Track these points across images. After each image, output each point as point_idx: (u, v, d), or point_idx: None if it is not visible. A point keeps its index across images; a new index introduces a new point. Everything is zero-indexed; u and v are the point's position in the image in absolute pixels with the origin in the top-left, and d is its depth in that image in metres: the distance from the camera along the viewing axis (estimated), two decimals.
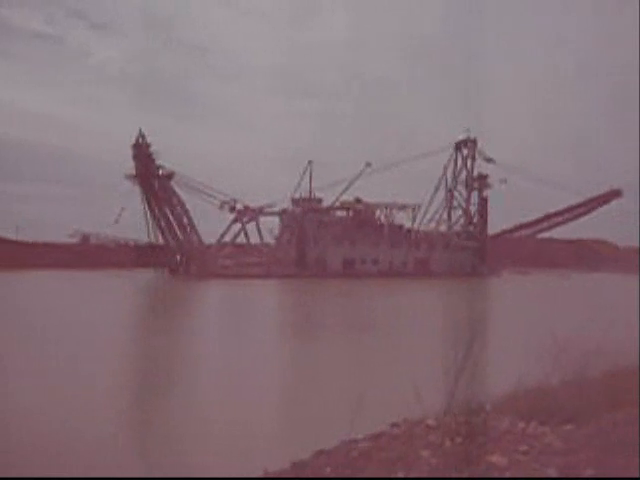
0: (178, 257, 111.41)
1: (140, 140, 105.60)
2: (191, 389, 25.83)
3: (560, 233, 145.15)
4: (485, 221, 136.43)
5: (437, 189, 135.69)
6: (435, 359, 11.73)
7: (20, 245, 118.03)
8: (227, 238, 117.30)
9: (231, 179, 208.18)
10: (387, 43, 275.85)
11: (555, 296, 77.33)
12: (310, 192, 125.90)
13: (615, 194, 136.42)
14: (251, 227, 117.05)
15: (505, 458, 7.85)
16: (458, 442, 8.39)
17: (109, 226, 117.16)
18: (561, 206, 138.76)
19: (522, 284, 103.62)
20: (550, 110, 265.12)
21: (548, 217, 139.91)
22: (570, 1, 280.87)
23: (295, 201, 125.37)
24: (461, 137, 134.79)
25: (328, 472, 8.58)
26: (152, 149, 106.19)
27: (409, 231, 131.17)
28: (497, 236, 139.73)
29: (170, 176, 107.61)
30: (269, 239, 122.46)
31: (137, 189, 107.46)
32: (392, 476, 7.92)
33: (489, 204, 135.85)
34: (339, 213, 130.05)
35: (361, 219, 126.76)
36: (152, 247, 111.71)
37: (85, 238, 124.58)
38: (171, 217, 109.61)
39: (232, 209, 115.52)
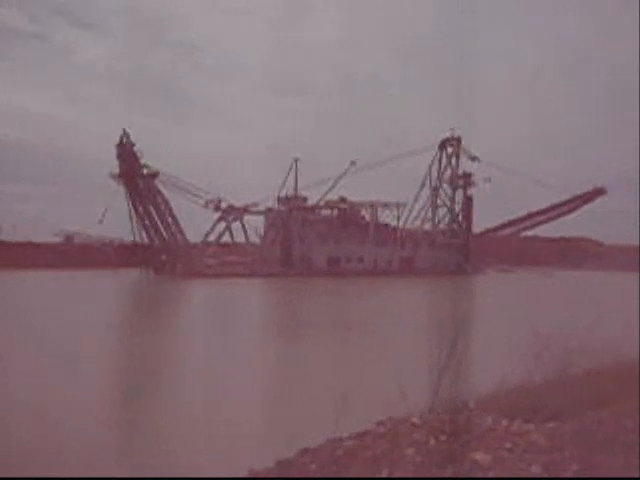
0: (163, 256, 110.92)
1: (124, 140, 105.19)
2: (176, 389, 25.80)
3: (544, 231, 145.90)
4: (469, 219, 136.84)
5: (422, 187, 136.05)
6: (420, 357, 11.76)
7: (2, 245, 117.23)
8: (212, 237, 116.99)
9: (216, 178, 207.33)
10: (379, 42, 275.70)
11: (539, 294, 77.68)
12: (295, 191, 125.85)
13: (599, 192, 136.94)
14: (236, 226, 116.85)
15: (489, 456, 7.88)
16: (442, 440, 8.42)
17: (93, 225, 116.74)
18: (545, 204, 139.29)
19: (506, 282, 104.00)
20: (537, 110, 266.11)
21: (532, 215, 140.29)
22: (561, 1, 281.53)
23: (280, 200, 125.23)
24: (446, 135, 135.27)
25: (313, 470, 8.59)
26: (136, 148, 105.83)
27: (394, 229, 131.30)
28: (481, 234, 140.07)
29: (154, 175, 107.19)
30: (254, 238, 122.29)
31: (121, 188, 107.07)
32: (377, 474, 7.94)
33: (474, 202, 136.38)
34: (324, 212, 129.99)
35: (346, 218, 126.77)
36: (137, 246, 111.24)
37: (69, 237, 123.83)
38: (156, 216, 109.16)
39: (217, 208, 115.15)
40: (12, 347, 32.52)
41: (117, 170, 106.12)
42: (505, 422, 9.15)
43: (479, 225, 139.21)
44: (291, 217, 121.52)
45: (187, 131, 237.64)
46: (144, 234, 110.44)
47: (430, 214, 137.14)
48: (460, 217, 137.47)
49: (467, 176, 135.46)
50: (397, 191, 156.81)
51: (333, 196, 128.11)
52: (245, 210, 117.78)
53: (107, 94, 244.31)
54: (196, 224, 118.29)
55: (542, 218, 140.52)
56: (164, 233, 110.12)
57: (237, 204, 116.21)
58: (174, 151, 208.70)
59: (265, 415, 22.20)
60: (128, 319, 52.36)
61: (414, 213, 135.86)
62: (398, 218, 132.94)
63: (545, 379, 11.18)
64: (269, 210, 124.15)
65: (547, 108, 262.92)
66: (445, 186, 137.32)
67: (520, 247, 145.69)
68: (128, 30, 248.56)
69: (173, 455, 16.51)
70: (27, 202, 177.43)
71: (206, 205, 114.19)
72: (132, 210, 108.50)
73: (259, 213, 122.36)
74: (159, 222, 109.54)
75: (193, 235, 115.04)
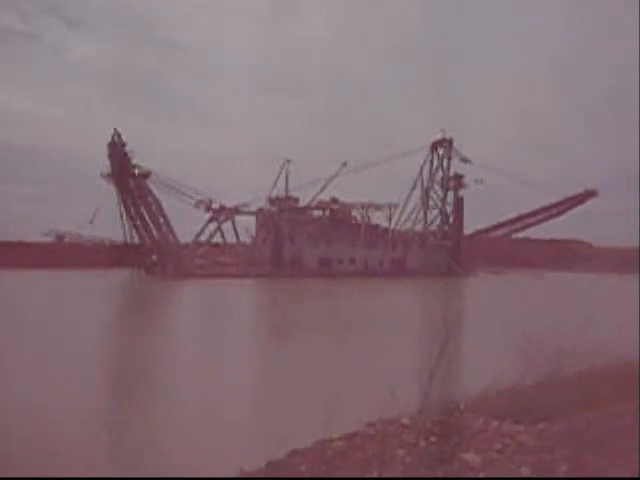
0: (154, 257, 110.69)
1: (115, 139, 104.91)
2: (167, 389, 25.75)
3: (535, 233, 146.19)
4: (461, 221, 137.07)
5: (413, 189, 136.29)
6: (410, 359, 11.77)
7: None
8: (203, 237, 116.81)
9: (207, 178, 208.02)
10: (369, 43, 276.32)
11: (530, 296, 77.81)
12: (286, 191, 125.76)
13: (590, 194, 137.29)
14: (227, 226, 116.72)
15: (479, 457, 7.90)
16: (433, 441, 8.44)
17: (84, 225, 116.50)
18: (536, 206, 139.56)
19: (497, 284, 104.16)
20: (528, 111, 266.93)
21: (523, 217, 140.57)
22: (552, 1, 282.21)
23: (271, 200, 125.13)
24: (437, 137, 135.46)
25: (303, 471, 8.59)
26: (128, 148, 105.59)
27: (385, 231, 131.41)
28: (472, 236, 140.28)
29: (146, 175, 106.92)
30: (245, 238, 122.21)
31: (113, 188, 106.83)
32: (367, 475, 7.94)
33: (465, 204, 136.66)
34: (315, 213, 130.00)
35: (337, 219, 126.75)
36: (128, 246, 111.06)
37: (60, 237, 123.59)
38: (147, 216, 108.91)
39: (208, 208, 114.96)
40: (1, 347, 32.41)
41: (108, 170, 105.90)
42: (495, 423, 9.17)
43: (470, 226, 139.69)
44: (282, 218, 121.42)
45: (177, 131, 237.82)
46: (135, 234, 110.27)
47: (421, 215, 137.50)
48: (451, 218, 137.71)
49: (458, 178, 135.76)
50: (388, 192, 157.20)
51: (324, 197, 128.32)
52: (236, 210, 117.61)
53: (97, 93, 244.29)
54: (187, 224, 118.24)
55: (533, 220, 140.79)
56: (155, 233, 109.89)
57: (228, 204, 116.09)
58: (164, 151, 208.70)
59: (256, 416, 22.18)
60: (118, 319, 52.23)
61: (405, 214, 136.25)
62: (389, 219, 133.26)
63: (535, 381, 11.21)
64: (260, 211, 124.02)
65: (538, 110, 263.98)
66: (436, 187, 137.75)
67: (511, 249, 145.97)
68: (118, 29, 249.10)
69: (163, 455, 16.49)
70: (17, 202, 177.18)
71: (197, 205, 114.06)
72: (123, 210, 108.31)
73: (250, 213, 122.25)
74: (150, 222, 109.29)
75: (184, 235, 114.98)
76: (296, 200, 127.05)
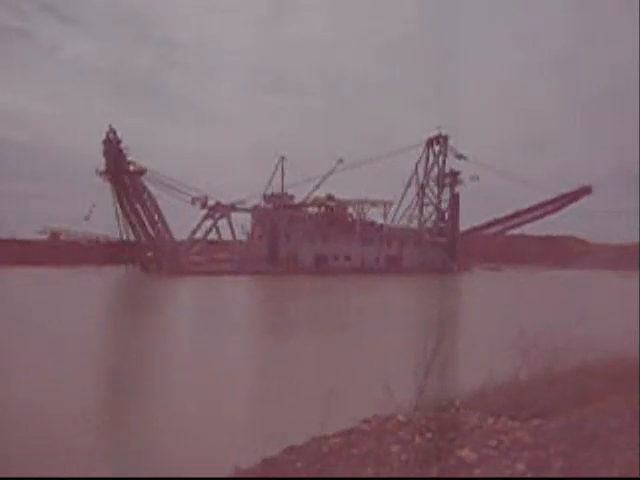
0: (149, 254, 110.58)
1: (110, 136, 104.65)
2: (162, 387, 25.73)
3: (531, 229, 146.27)
4: (456, 218, 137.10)
5: (409, 186, 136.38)
6: (406, 355, 11.77)
7: None
8: (199, 234, 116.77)
9: (203, 175, 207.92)
10: (365, 41, 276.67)
11: (525, 292, 77.93)
12: (282, 188, 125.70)
13: (585, 191, 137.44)
14: (223, 223, 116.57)
15: (475, 453, 7.90)
16: (428, 437, 8.43)
17: (80, 222, 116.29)
18: (532, 203, 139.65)
19: (493, 280, 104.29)
20: (524, 109, 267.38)
21: (518, 214, 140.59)
22: (548, 2, 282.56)
23: (267, 197, 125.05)
24: (433, 134, 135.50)
25: (299, 468, 8.59)
26: (123, 145, 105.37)
27: (381, 227, 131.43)
28: (468, 232, 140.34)
29: (141, 172, 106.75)
30: (241, 235, 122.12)
31: (108, 185, 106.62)
32: (363, 472, 7.94)
33: (460, 201, 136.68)
34: (311, 210, 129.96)
35: (333, 216, 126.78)
36: (123, 244, 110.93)
37: (55, 235, 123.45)
38: (142, 213, 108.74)
39: (204, 205, 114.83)
40: None
41: (103, 167, 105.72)
42: (491, 420, 9.18)
43: (466, 223, 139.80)
44: (278, 215, 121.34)
45: (175, 130, 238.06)
46: (130, 231, 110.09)
47: (417, 212, 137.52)
48: (447, 215, 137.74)
49: (454, 174, 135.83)
50: (384, 189, 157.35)
51: (320, 194, 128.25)
52: (232, 207, 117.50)
53: (92, 91, 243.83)
54: (183, 221, 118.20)
55: (528, 216, 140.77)
56: (150, 230, 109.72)
57: (224, 201, 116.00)
58: (162, 149, 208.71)
59: (251, 413, 22.18)
60: (113, 316, 52.17)
61: (401, 211, 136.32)
62: (385, 216, 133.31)
63: (531, 377, 11.21)
64: (256, 208, 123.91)
65: (534, 108, 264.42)
66: (432, 184, 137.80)
67: (506, 245, 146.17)
68: (113, 27, 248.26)
69: (159, 452, 16.47)
70: (12, 198, 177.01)
71: (193, 202, 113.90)
72: (118, 207, 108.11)
73: (246, 211, 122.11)
74: (145, 219, 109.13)
75: (180, 233, 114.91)
76: (292, 197, 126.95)
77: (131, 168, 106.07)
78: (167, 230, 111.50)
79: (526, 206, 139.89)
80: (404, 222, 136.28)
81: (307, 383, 24.77)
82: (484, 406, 9.87)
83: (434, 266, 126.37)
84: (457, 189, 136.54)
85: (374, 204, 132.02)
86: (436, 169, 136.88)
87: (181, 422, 20.09)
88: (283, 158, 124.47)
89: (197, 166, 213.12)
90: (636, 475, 6.86)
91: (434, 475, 7.52)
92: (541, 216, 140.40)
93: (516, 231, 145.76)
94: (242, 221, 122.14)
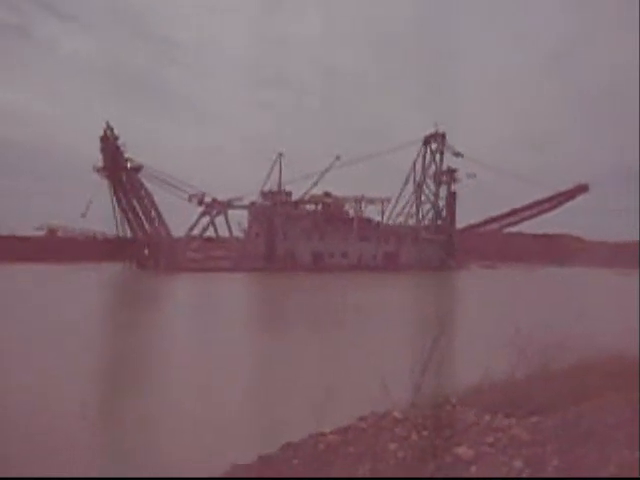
0: (146, 250, 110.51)
1: (108, 132, 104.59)
2: (159, 384, 25.72)
3: (528, 227, 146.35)
4: (453, 215, 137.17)
5: (406, 183, 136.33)
6: (403, 353, 11.77)
7: None
8: (196, 231, 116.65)
9: (200, 172, 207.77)
10: (362, 39, 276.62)
11: (522, 290, 77.96)
12: (279, 185, 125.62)
13: (582, 189, 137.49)
14: (220, 220, 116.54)
15: (472, 450, 7.91)
16: (425, 435, 8.43)
17: (77, 219, 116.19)
18: (529, 201, 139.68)
19: (489, 278, 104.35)
20: (521, 107, 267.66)
21: (515, 212, 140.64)
22: (544, 1, 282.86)
23: (264, 194, 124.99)
24: (430, 131, 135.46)
25: (296, 465, 8.60)
26: (120, 142, 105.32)
27: (378, 225, 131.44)
28: (465, 230, 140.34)
29: (138, 169, 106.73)
30: (238, 232, 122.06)
31: (105, 182, 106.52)
32: (359, 469, 7.94)
33: (457, 198, 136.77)
34: (308, 207, 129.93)
35: (330, 213, 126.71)
36: (120, 240, 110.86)
37: (52, 231, 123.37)
38: (139, 210, 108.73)
39: (200, 202, 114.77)
40: None
41: (100, 163, 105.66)
42: (487, 417, 9.18)
43: (463, 221, 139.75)
44: (275, 212, 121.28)
45: (171, 126, 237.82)
46: (127, 228, 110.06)
47: (414, 210, 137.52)
48: (444, 213, 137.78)
49: (451, 172, 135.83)
50: (381, 186, 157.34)
51: (318, 191, 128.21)
52: (229, 204, 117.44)
53: (90, 89, 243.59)
54: (179, 218, 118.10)
55: (525, 214, 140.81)
56: (147, 227, 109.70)
57: (221, 198, 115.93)
58: (156, 145, 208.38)
59: (248, 410, 22.17)
60: (110, 313, 52.16)
61: (398, 208, 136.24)
62: (382, 213, 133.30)
63: (528, 374, 11.22)
64: (253, 204, 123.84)
65: (531, 106, 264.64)
66: (429, 182, 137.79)
67: (503, 243, 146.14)
68: (111, 25, 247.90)
69: (155, 449, 16.47)
70: (9, 195, 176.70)
71: (190, 199, 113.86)
72: (115, 204, 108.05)
73: (243, 207, 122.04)
74: (142, 216, 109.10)
75: (177, 229, 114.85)
76: (289, 194, 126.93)
77: (128, 165, 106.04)
78: (164, 227, 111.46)
79: (523, 204, 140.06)
80: (401, 220, 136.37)
81: (304, 380, 24.77)
82: (481, 403, 9.87)
83: (431, 264, 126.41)
84: (454, 187, 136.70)
85: (371, 201, 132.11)
86: (433, 167, 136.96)
87: (177, 419, 20.08)
88: (280, 155, 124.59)
89: (194, 163, 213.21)
90: (634, 472, 6.86)
91: (431, 472, 7.52)
92: (538, 214, 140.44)
93: (513, 229, 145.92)
94: (239, 218, 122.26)
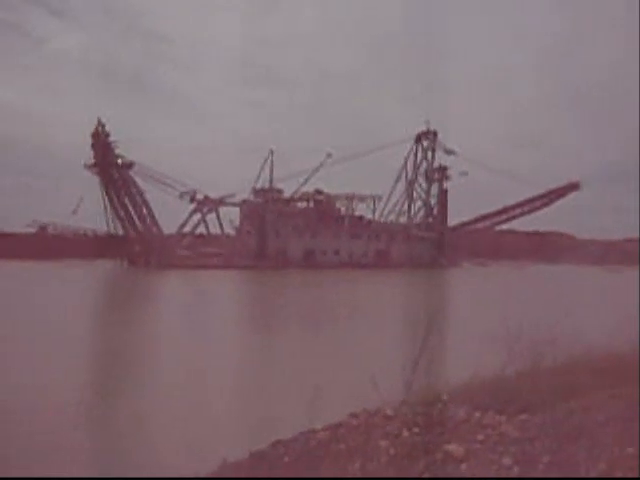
0: (137, 247, 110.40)
1: (99, 129, 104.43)
2: (149, 382, 25.68)
3: (519, 225, 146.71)
4: (445, 213, 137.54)
5: (397, 181, 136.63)
6: (394, 350, 11.80)
7: None
8: (187, 228, 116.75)
9: (191, 169, 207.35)
10: (353, 37, 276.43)
11: (513, 287, 78.06)
12: (271, 183, 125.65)
13: (573, 187, 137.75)
14: (211, 218, 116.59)
15: (462, 447, 7.93)
16: (416, 432, 8.46)
17: (68, 216, 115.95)
18: (520, 198, 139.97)
19: (481, 275, 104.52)
20: (512, 105, 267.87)
21: (507, 209, 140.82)
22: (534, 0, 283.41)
23: (256, 192, 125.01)
24: (422, 129, 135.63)
25: (286, 462, 8.61)
26: (111, 139, 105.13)
27: (370, 222, 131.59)
28: (456, 228, 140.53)
29: (129, 166, 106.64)
30: (229, 230, 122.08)
31: (96, 179, 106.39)
32: (350, 466, 7.96)
33: (449, 196, 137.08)
34: (300, 204, 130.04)
35: (322, 210, 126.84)
36: (111, 237, 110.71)
37: (43, 228, 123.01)
38: (130, 207, 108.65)
39: (192, 199, 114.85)
40: None
41: (92, 160, 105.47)
42: (478, 414, 9.20)
43: (454, 218, 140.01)
44: (266, 209, 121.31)
45: (162, 123, 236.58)
46: (119, 225, 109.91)
47: (406, 207, 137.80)
48: (435, 210, 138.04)
49: (443, 170, 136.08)
50: (373, 184, 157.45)
51: (309, 188, 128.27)
52: (220, 202, 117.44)
53: (80, 84, 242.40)
54: (171, 216, 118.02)
55: (516, 212, 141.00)
56: (139, 224, 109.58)
57: (212, 195, 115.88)
58: (147, 142, 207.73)
59: (239, 407, 22.17)
60: (100, 311, 52.06)
61: (389, 206, 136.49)
62: (374, 211, 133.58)
63: (518, 371, 11.25)
64: (244, 202, 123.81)
65: (523, 104, 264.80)
66: (421, 179, 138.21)
67: (495, 241, 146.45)
68: (101, 20, 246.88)
69: (145, 447, 16.46)
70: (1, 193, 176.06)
71: (181, 196, 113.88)
72: (106, 201, 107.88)
73: (234, 205, 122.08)
74: (134, 213, 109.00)
75: (168, 227, 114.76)
76: (280, 191, 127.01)
77: (119, 162, 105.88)
78: (155, 224, 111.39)
79: (514, 202, 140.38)
80: (393, 217, 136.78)
81: (295, 377, 24.78)
82: (471, 400, 9.89)
83: (423, 261, 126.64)
84: (446, 184, 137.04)
85: (363, 199, 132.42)
86: (425, 164, 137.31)
87: (168, 416, 20.07)
88: (272, 152, 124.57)
89: (186, 160, 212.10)
90: (624, 469, 6.90)
91: (421, 469, 7.55)
92: (529, 212, 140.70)
93: (505, 226, 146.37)
94: (231, 216, 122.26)
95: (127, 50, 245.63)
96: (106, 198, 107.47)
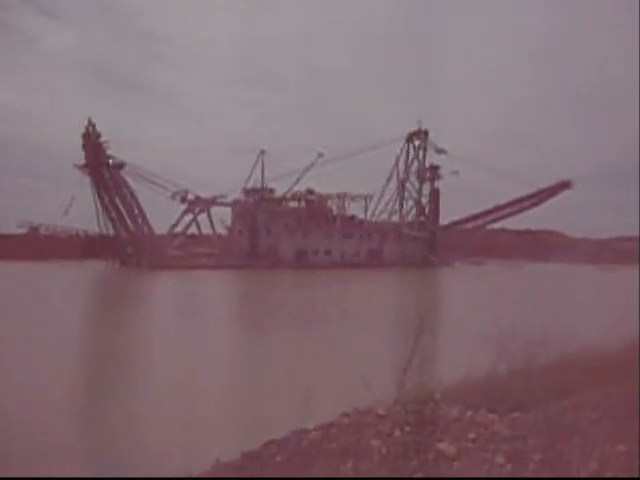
0: (129, 248, 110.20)
1: (90, 129, 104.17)
2: (141, 382, 25.63)
3: (511, 224, 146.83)
4: (437, 212, 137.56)
5: (389, 180, 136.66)
6: (386, 349, 11.80)
7: None
8: (179, 229, 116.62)
9: (183, 169, 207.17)
10: (346, 37, 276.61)
11: (505, 286, 78.16)
12: (262, 182, 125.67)
13: (564, 186, 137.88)
14: (203, 218, 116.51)
15: (454, 446, 7.93)
16: (408, 431, 8.45)
17: (59, 216, 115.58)
18: (512, 197, 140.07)
19: (473, 274, 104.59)
20: (504, 105, 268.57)
21: (498, 208, 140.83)
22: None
23: (247, 191, 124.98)
24: (413, 128, 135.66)
25: (278, 461, 8.60)
26: (103, 139, 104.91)
27: (361, 222, 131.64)
28: (448, 227, 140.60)
29: (120, 166, 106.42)
30: (221, 230, 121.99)
31: (87, 179, 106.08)
32: (342, 466, 7.95)
33: (441, 195, 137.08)
34: (291, 204, 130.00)
35: (313, 210, 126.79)
36: (103, 238, 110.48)
37: (34, 228, 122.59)
38: (122, 207, 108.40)
39: (183, 199, 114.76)
40: None
41: (82, 161, 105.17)
42: (470, 413, 9.21)
43: (446, 218, 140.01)
44: (258, 209, 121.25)
45: (154, 122, 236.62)
46: (110, 225, 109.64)
47: (397, 207, 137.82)
48: (427, 210, 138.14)
49: (434, 169, 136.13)
50: (364, 183, 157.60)
51: (300, 188, 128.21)
52: (212, 202, 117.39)
53: (72, 83, 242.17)
54: (162, 216, 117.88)
55: (508, 211, 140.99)
56: (130, 224, 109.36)
57: (204, 195, 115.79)
58: (139, 142, 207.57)
59: (231, 407, 22.15)
60: (93, 311, 51.97)
61: (381, 205, 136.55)
62: (366, 210, 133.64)
63: (510, 370, 11.26)
64: (236, 202, 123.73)
65: (515, 103, 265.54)
66: (412, 179, 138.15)
67: (487, 240, 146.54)
68: (96, 20, 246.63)
69: (138, 447, 16.41)
70: None
71: (173, 197, 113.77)
72: (98, 201, 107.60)
73: (226, 205, 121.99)
74: (125, 213, 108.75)
75: (160, 227, 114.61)
76: (272, 191, 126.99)
77: (110, 162, 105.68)
78: (147, 224, 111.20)
79: (506, 201, 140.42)
80: (384, 217, 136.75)
81: (287, 377, 24.77)
82: (463, 399, 9.90)
83: (415, 260, 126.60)
84: (437, 184, 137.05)
85: (354, 198, 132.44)
86: (416, 164, 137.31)
87: (161, 416, 20.03)
88: (263, 152, 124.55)
89: (178, 160, 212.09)
90: (616, 467, 6.90)
91: (414, 468, 7.54)
92: (521, 211, 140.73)
93: (496, 225, 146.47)
94: (223, 216, 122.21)
95: (119, 50, 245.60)
96: (97, 198, 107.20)
